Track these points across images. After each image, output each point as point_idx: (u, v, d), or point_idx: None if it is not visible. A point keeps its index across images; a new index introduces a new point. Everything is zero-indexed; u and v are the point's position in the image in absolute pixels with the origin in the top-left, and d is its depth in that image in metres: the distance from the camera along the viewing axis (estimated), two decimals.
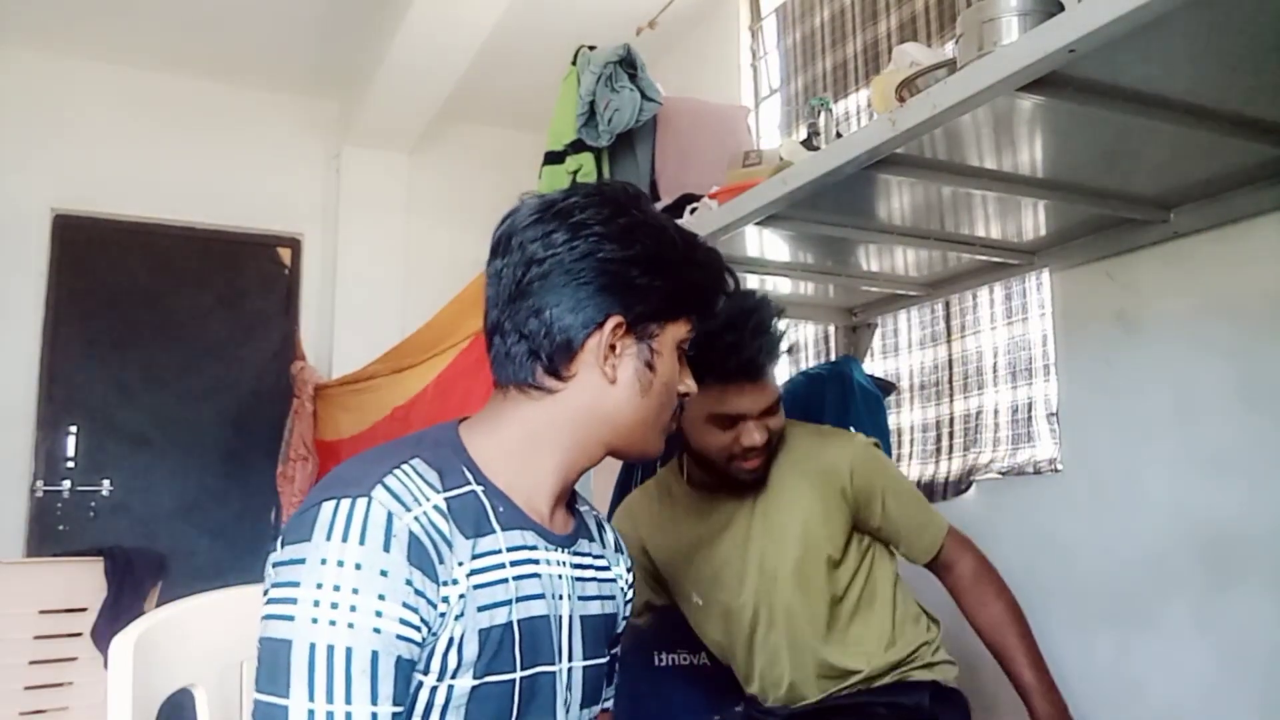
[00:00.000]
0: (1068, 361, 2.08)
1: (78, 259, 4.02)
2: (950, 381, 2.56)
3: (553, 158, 2.29)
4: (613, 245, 0.92)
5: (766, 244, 1.99)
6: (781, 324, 1.58)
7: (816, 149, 1.75)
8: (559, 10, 3.62)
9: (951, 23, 2.57)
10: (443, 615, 0.82)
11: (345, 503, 0.81)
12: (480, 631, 0.84)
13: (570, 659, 0.94)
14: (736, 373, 1.51)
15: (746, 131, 2.65)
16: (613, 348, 0.93)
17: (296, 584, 0.78)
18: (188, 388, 4.13)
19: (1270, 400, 1.65)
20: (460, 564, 0.84)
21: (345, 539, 0.79)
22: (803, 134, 2.00)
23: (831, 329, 2.84)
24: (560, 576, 0.94)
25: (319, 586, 0.77)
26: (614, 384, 0.93)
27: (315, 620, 0.77)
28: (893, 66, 1.68)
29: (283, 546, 0.82)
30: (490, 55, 3.70)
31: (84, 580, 2.78)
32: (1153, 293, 1.85)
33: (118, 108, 4.11)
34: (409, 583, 0.79)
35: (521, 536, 0.91)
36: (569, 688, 0.94)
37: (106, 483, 3.95)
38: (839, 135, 1.81)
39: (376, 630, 0.77)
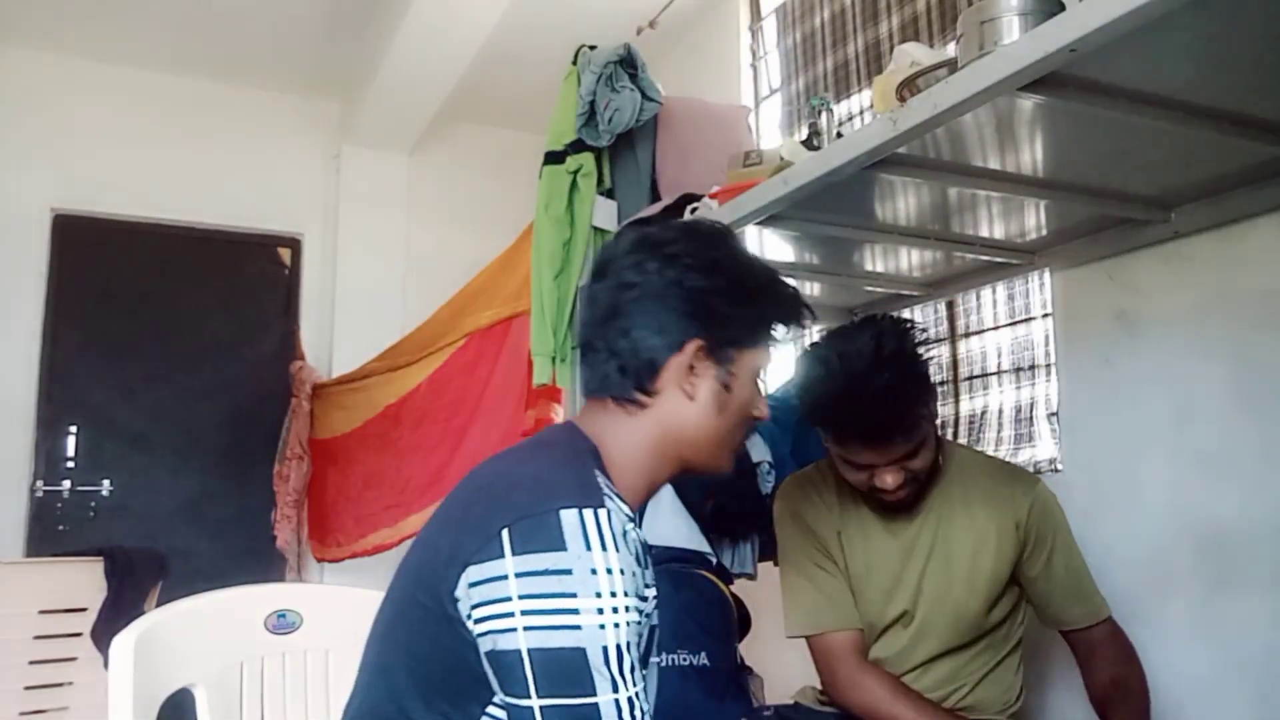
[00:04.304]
0: (1068, 361, 2.08)
1: (78, 259, 4.02)
2: (955, 381, 2.56)
3: (553, 157, 2.29)
4: (698, 275, 1.01)
5: (767, 244, 1.99)
6: (930, 376, 1.50)
7: (817, 149, 1.75)
8: (559, 10, 3.62)
9: (953, 23, 2.57)
10: (649, 610, 0.93)
11: (589, 512, 0.86)
12: (650, 629, 0.95)
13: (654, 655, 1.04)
14: (853, 439, 1.46)
15: (747, 131, 2.65)
16: (692, 368, 1.00)
17: (573, 594, 0.83)
18: (188, 388, 4.13)
19: (1270, 400, 1.65)
20: (645, 564, 0.94)
21: (605, 548, 0.85)
22: (803, 134, 2.00)
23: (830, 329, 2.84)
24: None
25: (598, 595, 0.84)
26: (693, 401, 1.01)
27: (603, 626, 0.83)
28: (894, 66, 1.68)
29: (519, 554, 0.84)
30: (490, 55, 3.70)
31: (84, 580, 2.78)
32: (1153, 293, 1.85)
33: (118, 108, 4.11)
34: (645, 581, 0.91)
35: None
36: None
37: (106, 483, 3.95)
38: (840, 135, 1.81)
39: (638, 623, 0.87)
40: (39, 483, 3.86)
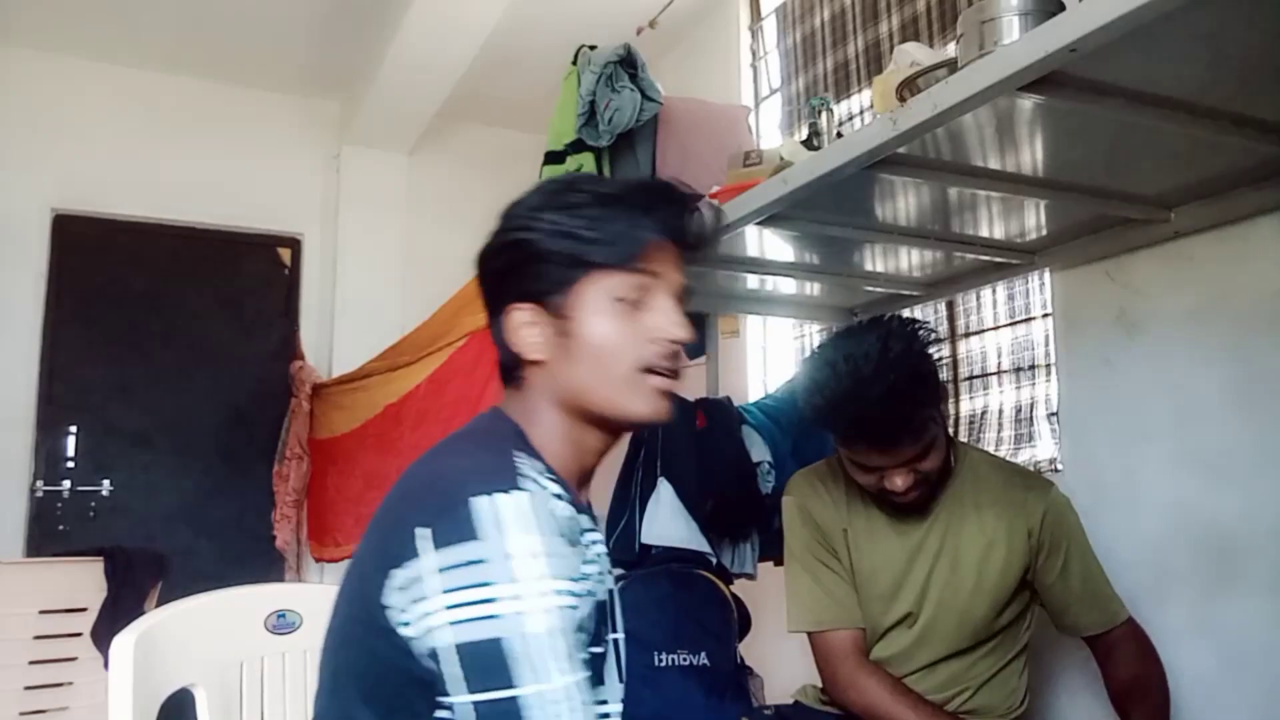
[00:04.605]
0: (1068, 361, 2.08)
1: (78, 259, 4.02)
2: (955, 381, 2.56)
3: (553, 158, 2.29)
4: (502, 238, 0.99)
5: (767, 244, 1.99)
6: (939, 377, 1.48)
7: (817, 149, 1.75)
8: (559, 10, 3.62)
9: (953, 23, 2.57)
10: (584, 591, 0.88)
11: (502, 496, 0.83)
12: (595, 605, 0.92)
13: (618, 630, 1.02)
14: (861, 441, 1.47)
15: (747, 131, 2.65)
16: (529, 330, 0.97)
17: (489, 584, 0.81)
18: (188, 388, 4.13)
19: (1270, 400, 1.65)
20: (580, 542, 0.91)
21: (519, 531, 0.82)
22: (803, 134, 2.00)
23: (833, 329, 2.85)
24: (603, 555, 1.00)
25: (515, 581, 0.81)
26: (545, 362, 0.97)
27: (520, 613, 0.80)
28: (894, 66, 1.68)
29: (436, 550, 0.82)
30: (490, 55, 3.70)
31: (84, 580, 2.78)
32: (1153, 293, 1.85)
33: (118, 108, 4.11)
34: (585, 558, 0.89)
35: (584, 520, 0.97)
36: (621, 654, 1.02)
37: (106, 483, 3.95)
38: (840, 135, 1.81)
39: (563, 607, 0.83)
40: (39, 483, 3.85)
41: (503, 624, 0.80)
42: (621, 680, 1.02)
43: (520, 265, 0.98)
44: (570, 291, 0.96)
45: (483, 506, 0.82)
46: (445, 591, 0.81)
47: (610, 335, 0.96)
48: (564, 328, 0.96)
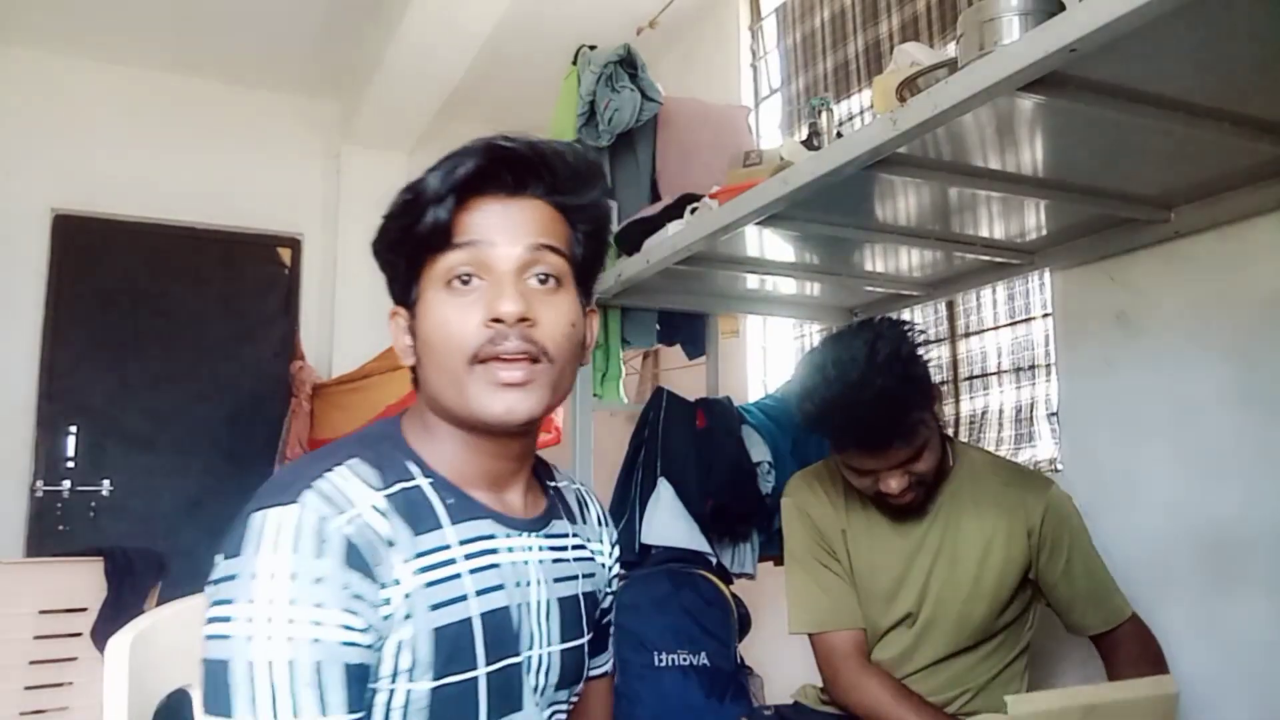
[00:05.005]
0: (1068, 361, 2.08)
1: (78, 259, 4.02)
2: (955, 381, 2.56)
3: None
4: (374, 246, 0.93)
5: (767, 244, 1.99)
6: (929, 378, 1.48)
7: (817, 149, 1.75)
8: (559, 10, 3.62)
9: (953, 23, 2.57)
10: (388, 617, 0.79)
11: (274, 512, 0.78)
12: (435, 631, 0.81)
13: (544, 645, 0.92)
14: (852, 446, 1.47)
15: (747, 131, 2.65)
16: (403, 336, 0.92)
17: (230, 601, 0.75)
18: (188, 388, 4.13)
19: (1270, 400, 1.65)
20: (405, 562, 0.81)
21: (276, 549, 0.76)
22: (803, 134, 2.00)
23: (833, 329, 2.84)
24: (526, 563, 0.91)
25: (252, 602, 0.74)
26: (410, 360, 0.92)
27: (251, 637, 0.74)
28: (894, 66, 1.68)
29: (220, 563, 0.79)
30: (490, 55, 3.70)
31: (84, 580, 2.77)
32: (1153, 293, 1.85)
33: (118, 108, 4.11)
34: (346, 587, 0.77)
35: (476, 527, 0.88)
36: (544, 673, 0.92)
37: (106, 483, 3.95)
38: (840, 135, 1.81)
39: (316, 640, 0.75)
40: (39, 483, 3.85)
41: (229, 645, 0.74)
42: (568, 686, 0.95)
43: (384, 271, 0.94)
44: (417, 286, 0.89)
45: (255, 522, 0.78)
46: (210, 605, 0.77)
47: (439, 325, 0.86)
48: (414, 326, 0.90)
